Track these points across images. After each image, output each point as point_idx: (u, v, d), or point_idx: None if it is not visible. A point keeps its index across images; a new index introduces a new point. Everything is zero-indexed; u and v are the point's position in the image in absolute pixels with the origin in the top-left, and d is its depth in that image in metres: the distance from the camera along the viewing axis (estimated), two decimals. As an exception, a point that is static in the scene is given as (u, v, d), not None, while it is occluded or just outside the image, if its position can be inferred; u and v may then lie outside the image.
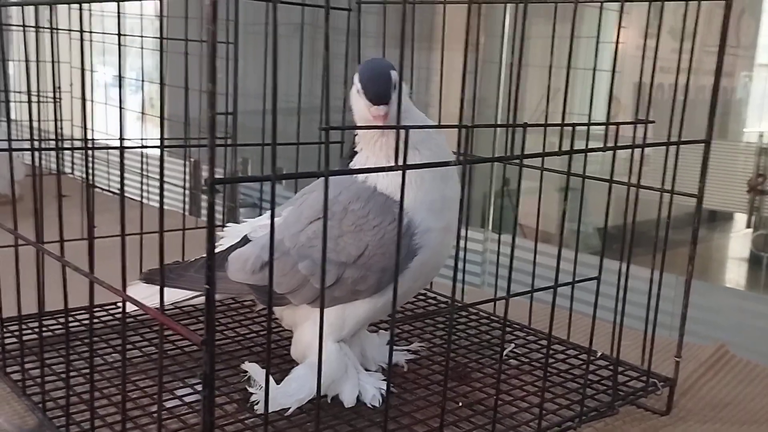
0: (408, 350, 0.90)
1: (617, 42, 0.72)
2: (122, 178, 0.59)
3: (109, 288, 0.58)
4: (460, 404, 0.77)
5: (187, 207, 1.49)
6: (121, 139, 0.63)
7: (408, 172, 0.75)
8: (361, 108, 0.74)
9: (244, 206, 2.69)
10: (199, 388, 0.79)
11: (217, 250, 0.84)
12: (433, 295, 1.10)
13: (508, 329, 0.97)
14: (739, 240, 2.26)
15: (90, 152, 0.79)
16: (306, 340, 0.78)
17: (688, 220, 0.76)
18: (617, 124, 0.69)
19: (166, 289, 0.84)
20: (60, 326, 0.89)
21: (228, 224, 0.89)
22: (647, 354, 0.82)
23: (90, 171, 0.76)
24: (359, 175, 0.76)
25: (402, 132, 0.74)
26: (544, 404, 0.74)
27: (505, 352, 0.91)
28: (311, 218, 0.76)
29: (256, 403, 0.74)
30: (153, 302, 0.85)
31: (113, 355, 0.86)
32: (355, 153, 0.78)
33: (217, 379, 0.81)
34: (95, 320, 0.93)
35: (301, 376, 0.75)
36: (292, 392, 0.73)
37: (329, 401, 0.75)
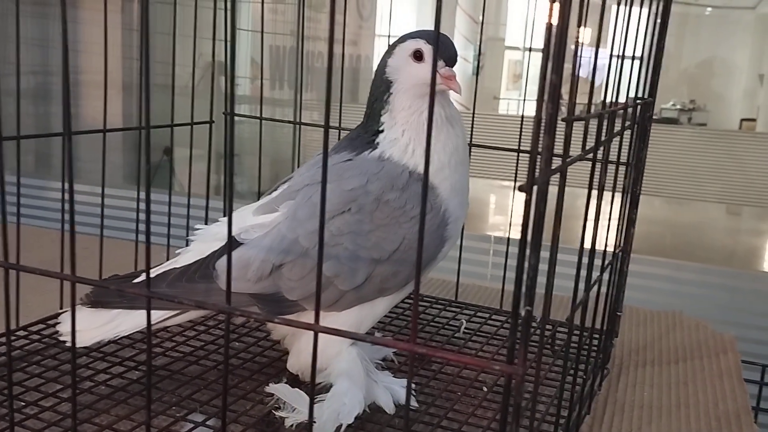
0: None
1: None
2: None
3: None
4: (485, 389, 0.76)
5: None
6: None
7: (442, 155, 0.71)
8: (421, 72, 0.69)
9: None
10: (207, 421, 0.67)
11: (189, 260, 0.71)
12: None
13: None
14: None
15: None
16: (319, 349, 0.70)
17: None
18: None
19: (124, 313, 0.69)
20: None
21: (198, 226, 0.75)
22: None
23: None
24: (392, 156, 0.71)
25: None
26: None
27: (461, 330, 0.92)
28: (333, 213, 0.67)
29: (293, 427, 0.66)
30: (110, 331, 0.70)
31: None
32: (378, 131, 0.72)
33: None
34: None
35: (348, 388, 0.67)
36: (348, 409, 0.65)
37: (368, 411, 0.69)
